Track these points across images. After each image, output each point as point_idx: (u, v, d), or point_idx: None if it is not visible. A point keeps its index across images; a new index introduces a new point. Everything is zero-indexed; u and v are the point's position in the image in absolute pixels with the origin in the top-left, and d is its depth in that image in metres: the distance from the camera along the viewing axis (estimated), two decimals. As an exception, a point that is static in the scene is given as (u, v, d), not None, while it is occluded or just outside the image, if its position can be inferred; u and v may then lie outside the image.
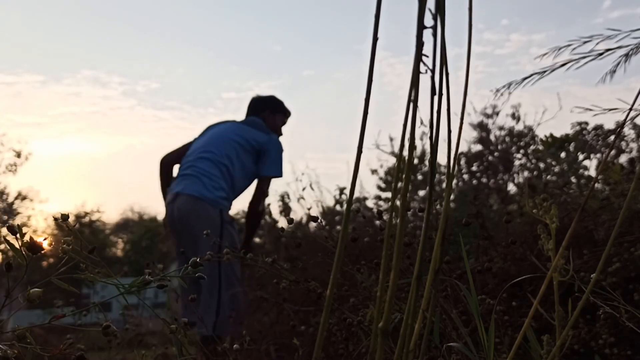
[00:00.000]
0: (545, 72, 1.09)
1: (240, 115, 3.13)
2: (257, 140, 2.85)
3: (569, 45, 1.05)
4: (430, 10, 0.42)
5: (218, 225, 2.63)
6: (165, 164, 2.98)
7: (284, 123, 3.12)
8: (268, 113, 3.05)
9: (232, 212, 2.91)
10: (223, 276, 2.54)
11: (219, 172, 2.73)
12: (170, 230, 2.77)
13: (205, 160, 2.75)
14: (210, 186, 2.69)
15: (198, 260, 0.73)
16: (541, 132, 4.77)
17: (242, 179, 2.84)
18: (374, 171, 6.04)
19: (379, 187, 6.01)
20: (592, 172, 3.00)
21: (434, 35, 0.42)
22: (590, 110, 1.02)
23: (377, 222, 1.36)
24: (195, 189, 2.68)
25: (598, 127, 3.06)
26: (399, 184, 0.48)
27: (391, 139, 5.39)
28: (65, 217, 0.82)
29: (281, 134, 3.09)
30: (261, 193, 2.90)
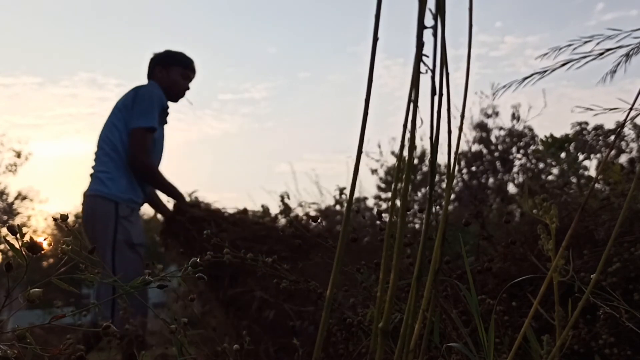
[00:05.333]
0: (546, 71, 1.09)
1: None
2: (124, 104, 2.65)
3: (570, 45, 1.05)
4: (430, 10, 0.42)
5: (112, 221, 2.53)
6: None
7: (186, 77, 2.82)
8: (159, 70, 2.79)
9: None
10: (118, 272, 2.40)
11: (110, 161, 2.60)
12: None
13: (98, 155, 2.64)
14: (106, 179, 2.59)
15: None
16: (540, 133, 4.77)
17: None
18: (374, 171, 6.05)
19: (379, 187, 6.01)
20: (592, 172, 3.00)
21: (434, 35, 0.42)
22: (591, 110, 1.02)
23: (378, 222, 1.36)
24: (92, 187, 2.61)
25: (598, 127, 3.06)
26: (399, 184, 0.48)
27: (392, 138, 5.40)
28: (64, 217, 0.82)
29: (184, 89, 2.81)
30: (131, 149, 2.58)
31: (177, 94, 2.82)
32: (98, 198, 2.57)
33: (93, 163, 2.68)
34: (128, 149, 2.60)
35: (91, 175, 2.67)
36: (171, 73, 2.78)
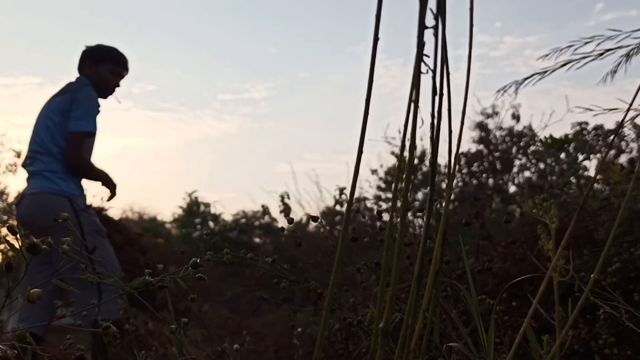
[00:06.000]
0: (546, 72, 1.09)
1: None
2: (59, 108, 2.56)
3: (571, 46, 1.05)
4: (431, 10, 0.42)
5: (72, 214, 2.42)
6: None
7: (117, 74, 2.73)
8: (89, 64, 2.68)
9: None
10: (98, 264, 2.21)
11: (54, 161, 2.53)
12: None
13: (42, 156, 2.55)
14: (56, 178, 2.51)
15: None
16: (542, 134, 4.78)
17: None
18: (374, 171, 6.06)
19: (379, 187, 6.02)
20: (592, 173, 3.00)
21: (435, 35, 0.42)
22: (591, 110, 1.02)
23: (378, 223, 1.36)
24: (39, 185, 2.50)
25: (598, 127, 3.06)
26: (400, 184, 0.48)
27: (393, 138, 5.40)
28: (64, 217, 0.82)
29: (114, 86, 2.73)
30: (70, 152, 2.53)
31: (105, 91, 2.74)
32: (48, 194, 2.48)
33: (30, 164, 2.60)
34: (66, 151, 2.55)
35: (32, 175, 2.58)
36: (100, 69, 2.70)
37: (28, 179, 2.61)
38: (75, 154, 2.55)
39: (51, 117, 2.58)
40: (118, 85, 2.77)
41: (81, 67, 2.73)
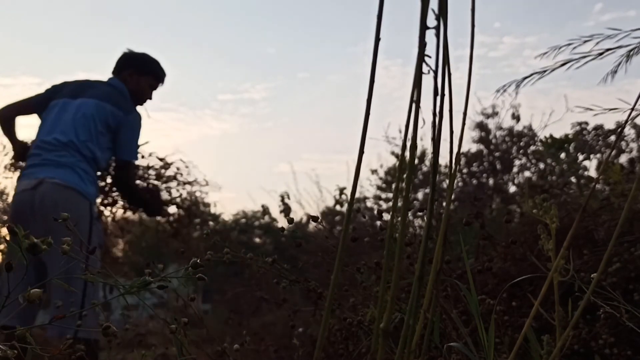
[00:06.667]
0: (545, 71, 1.09)
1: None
2: (107, 122, 2.53)
3: (569, 44, 1.05)
4: (433, 10, 0.42)
5: (87, 220, 2.34)
6: (6, 118, 2.65)
7: (153, 87, 2.76)
8: (131, 73, 2.68)
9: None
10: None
11: (84, 161, 2.47)
12: (15, 221, 2.26)
13: (73, 151, 2.46)
14: (86, 179, 2.43)
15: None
16: (542, 134, 4.78)
17: (105, 163, 2.61)
18: (374, 171, 6.06)
19: (379, 187, 6.01)
20: (592, 173, 3.00)
21: (437, 35, 0.42)
22: (591, 110, 1.02)
23: (378, 222, 1.36)
24: (68, 178, 2.39)
25: (598, 127, 3.06)
26: (400, 184, 0.48)
27: (393, 138, 5.40)
28: (65, 217, 0.82)
29: (147, 99, 2.77)
30: (128, 181, 2.60)
31: (139, 101, 2.75)
32: (74, 191, 2.38)
33: (53, 150, 2.46)
34: (123, 177, 2.61)
35: (59, 165, 2.43)
36: (142, 80, 2.71)
37: (47, 166, 2.44)
38: (134, 183, 2.67)
39: (96, 122, 2.52)
40: (151, 98, 2.78)
41: (119, 71, 2.70)
